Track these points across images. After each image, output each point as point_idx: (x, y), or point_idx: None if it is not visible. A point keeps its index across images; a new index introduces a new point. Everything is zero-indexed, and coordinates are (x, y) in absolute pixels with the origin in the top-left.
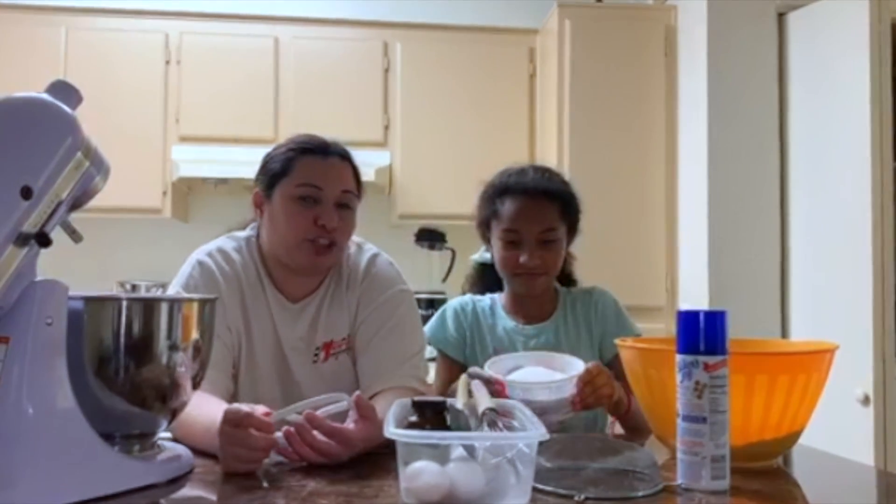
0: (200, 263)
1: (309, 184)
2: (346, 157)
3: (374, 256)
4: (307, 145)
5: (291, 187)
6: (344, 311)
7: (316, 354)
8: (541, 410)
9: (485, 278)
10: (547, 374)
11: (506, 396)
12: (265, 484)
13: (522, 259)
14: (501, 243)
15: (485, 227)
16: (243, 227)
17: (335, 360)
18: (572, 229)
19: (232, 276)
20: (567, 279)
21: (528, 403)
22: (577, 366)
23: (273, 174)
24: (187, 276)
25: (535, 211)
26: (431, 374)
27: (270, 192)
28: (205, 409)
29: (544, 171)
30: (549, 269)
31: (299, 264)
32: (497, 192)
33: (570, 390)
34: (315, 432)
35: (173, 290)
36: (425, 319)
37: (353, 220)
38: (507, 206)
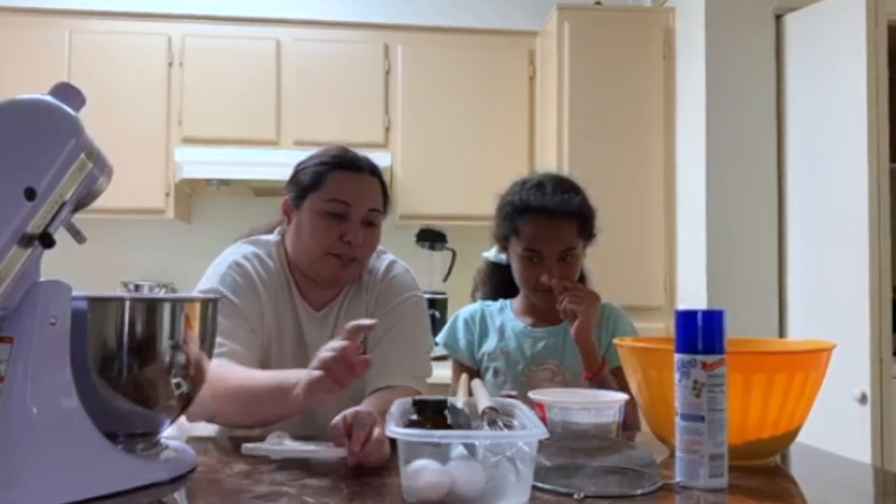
0: (239, 265)
1: (338, 200)
2: (375, 173)
3: (392, 263)
4: (340, 160)
5: (321, 202)
6: (361, 315)
7: None
8: (581, 435)
9: (496, 277)
10: (587, 395)
11: (544, 419)
12: (265, 487)
13: (543, 279)
14: (521, 261)
15: (504, 241)
16: (269, 230)
17: None
18: (589, 240)
19: (268, 282)
20: None
21: (567, 426)
22: (620, 396)
23: (303, 186)
24: (222, 274)
25: (555, 232)
26: (435, 374)
27: (300, 202)
28: (258, 375)
29: (563, 188)
30: (567, 284)
31: (321, 276)
32: (517, 209)
33: (611, 416)
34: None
35: (207, 286)
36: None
37: (377, 236)
38: (529, 226)
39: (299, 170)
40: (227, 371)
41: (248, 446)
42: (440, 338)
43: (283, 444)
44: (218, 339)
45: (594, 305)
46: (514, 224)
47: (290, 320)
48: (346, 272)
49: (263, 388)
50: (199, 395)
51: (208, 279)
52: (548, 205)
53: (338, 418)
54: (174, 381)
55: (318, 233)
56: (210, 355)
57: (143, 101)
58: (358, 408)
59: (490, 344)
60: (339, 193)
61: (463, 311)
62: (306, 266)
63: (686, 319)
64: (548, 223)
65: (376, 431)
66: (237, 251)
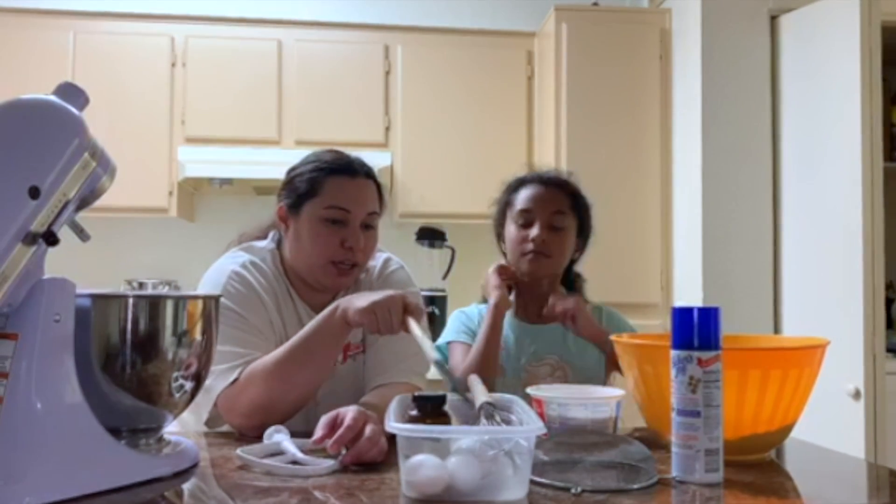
0: (238, 274)
1: (337, 206)
2: (371, 176)
3: (387, 260)
4: (335, 165)
5: (320, 209)
6: None
7: None
8: (579, 430)
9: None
10: (584, 391)
11: (542, 415)
12: (266, 482)
13: (533, 234)
14: (515, 226)
15: (499, 223)
16: (261, 234)
17: (353, 362)
18: (582, 230)
19: (269, 289)
20: (568, 275)
21: (565, 422)
22: (617, 391)
23: (300, 193)
24: (223, 285)
25: (547, 195)
26: (432, 370)
27: (297, 210)
28: (293, 340)
29: (557, 173)
30: (554, 252)
31: (321, 283)
32: (512, 186)
33: (608, 412)
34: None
35: None
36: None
37: (376, 238)
38: (522, 193)
39: (294, 176)
40: (259, 361)
41: (242, 454)
42: (445, 336)
43: (277, 445)
44: (237, 351)
45: (579, 300)
46: (509, 198)
47: (294, 325)
48: (346, 279)
49: (306, 336)
50: (238, 405)
51: (207, 291)
52: (541, 174)
53: (330, 415)
54: (177, 376)
55: (319, 240)
56: (213, 351)
57: (147, 101)
58: (355, 405)
59: None
60: (338, 200)
61: (458, 311)
62: (306, 273)
63: (682, 316)
64: (541, 188)
65: (368, 429)
66: (233, 260)
